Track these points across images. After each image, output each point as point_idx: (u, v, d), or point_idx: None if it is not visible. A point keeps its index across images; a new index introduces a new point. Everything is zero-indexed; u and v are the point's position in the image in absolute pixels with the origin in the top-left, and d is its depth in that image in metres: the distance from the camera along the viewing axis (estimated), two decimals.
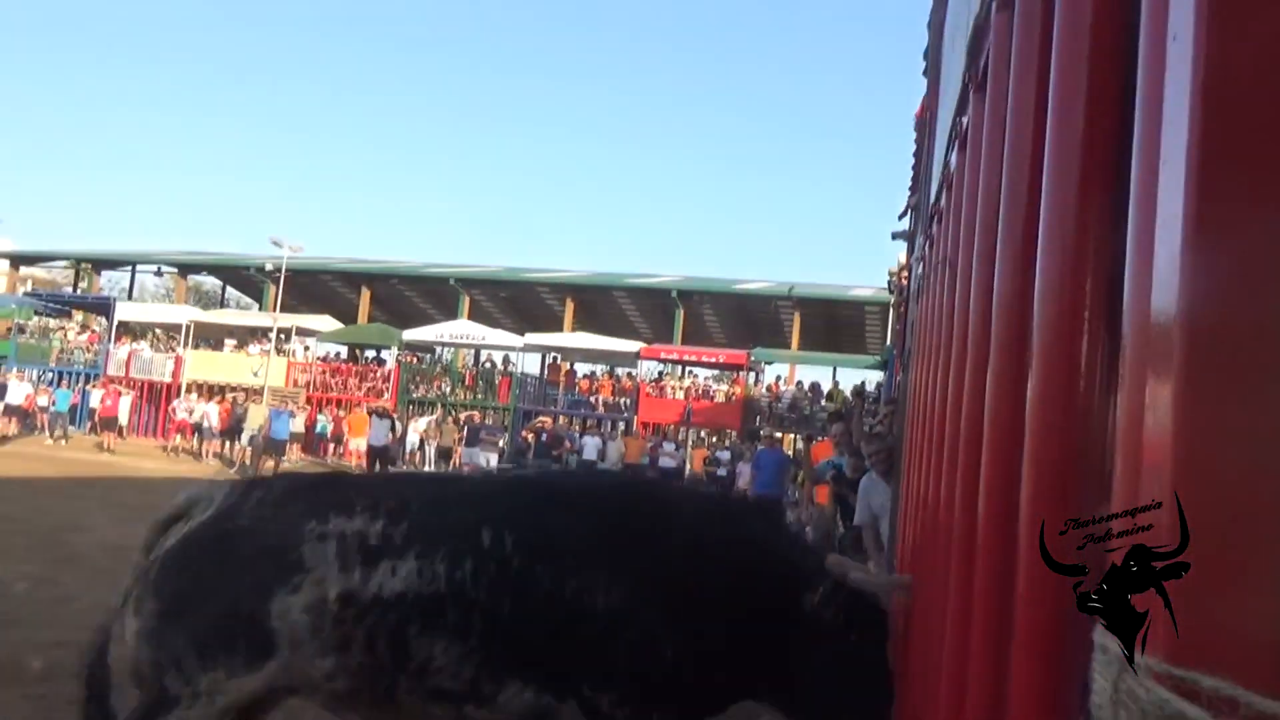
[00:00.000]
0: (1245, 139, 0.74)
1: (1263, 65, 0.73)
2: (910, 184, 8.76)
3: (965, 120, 2.43)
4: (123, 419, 26.10)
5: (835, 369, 30.48)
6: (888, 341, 23.56)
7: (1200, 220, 0.77)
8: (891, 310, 20.37)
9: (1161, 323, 0.81)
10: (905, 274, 10.85)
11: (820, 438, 9.17)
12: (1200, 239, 0.76)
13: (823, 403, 27.33)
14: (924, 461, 3.26)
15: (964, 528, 1.97)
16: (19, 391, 22.76)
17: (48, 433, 24.78)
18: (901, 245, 12.93)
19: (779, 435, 24.26)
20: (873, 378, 25.90)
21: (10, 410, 21.73)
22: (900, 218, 10.40)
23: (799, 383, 30.55)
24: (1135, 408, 0.86)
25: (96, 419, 25.67)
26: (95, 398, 26.69)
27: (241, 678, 3.00)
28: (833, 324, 34.18)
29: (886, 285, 20.57)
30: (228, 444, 23.88)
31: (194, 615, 3.04)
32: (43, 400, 25.60)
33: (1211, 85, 0.76)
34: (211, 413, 24.22)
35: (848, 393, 25.11)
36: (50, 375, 30.94)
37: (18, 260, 40.86)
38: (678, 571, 3.17)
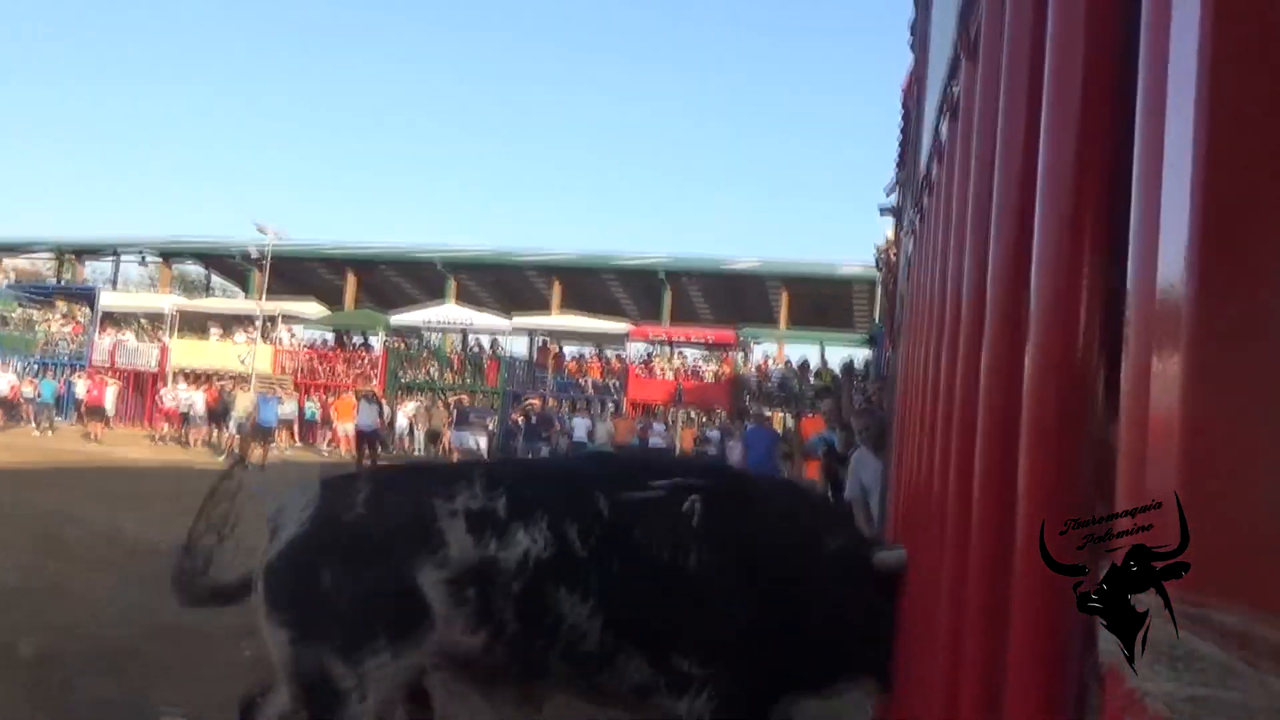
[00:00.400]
0: (1259, 93, 0.71)
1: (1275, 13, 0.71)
2: (898, 159, 8.75)
3: (956, 88, 2.41)
4: (109, 408, 25.97)
5: (823, 346, 30.55)
6: (875, 318, 23.60)
7: (1211, 187, 0.73)
8: (880, 286, 20.38)
9: (1169, 299, 0.78)
10: (894, 250, 10.85)
11: (810, 414, 9.19)
12: (1211, 207, 0.73)
13: (811, 380, 27.40)
14: (916, 436, 3.26)
15: (959, 501, 1.97)
16: (2, 382, 22.59)
17: (34, 423, 24.62)
18: (889, 221, 12.92)
19: (768, 413, 24.32)
20: (860, 354, 25.98)
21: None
22: (888, 193, 10.39)
23: (787, 361, 30.63)
24: (1140, 385, 0.84)
25: (83, 408, 25.57)
26: (81, 387, 26.57)
27: (406, 655, 3.06)
28: (820, 302, 34.21)
29: (874, 262, 20.60)
30: (215, 430, 23.80)
31: (345, 607, 3.06)
32: (28, 391, 25.43)
33: (1220, 38, 0.73)
34: (198, 400, 24.11)
35: (836, 370, 25.15)
36: (35, 366, 30.74)
37: None
38: (772, 555, 3.33)
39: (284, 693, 3.21)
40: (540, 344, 32.45)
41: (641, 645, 3.24)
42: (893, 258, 11.11)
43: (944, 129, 2.71)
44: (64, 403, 27.43)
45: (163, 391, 27.81)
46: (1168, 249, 0.79)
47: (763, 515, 3.47)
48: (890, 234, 12.94)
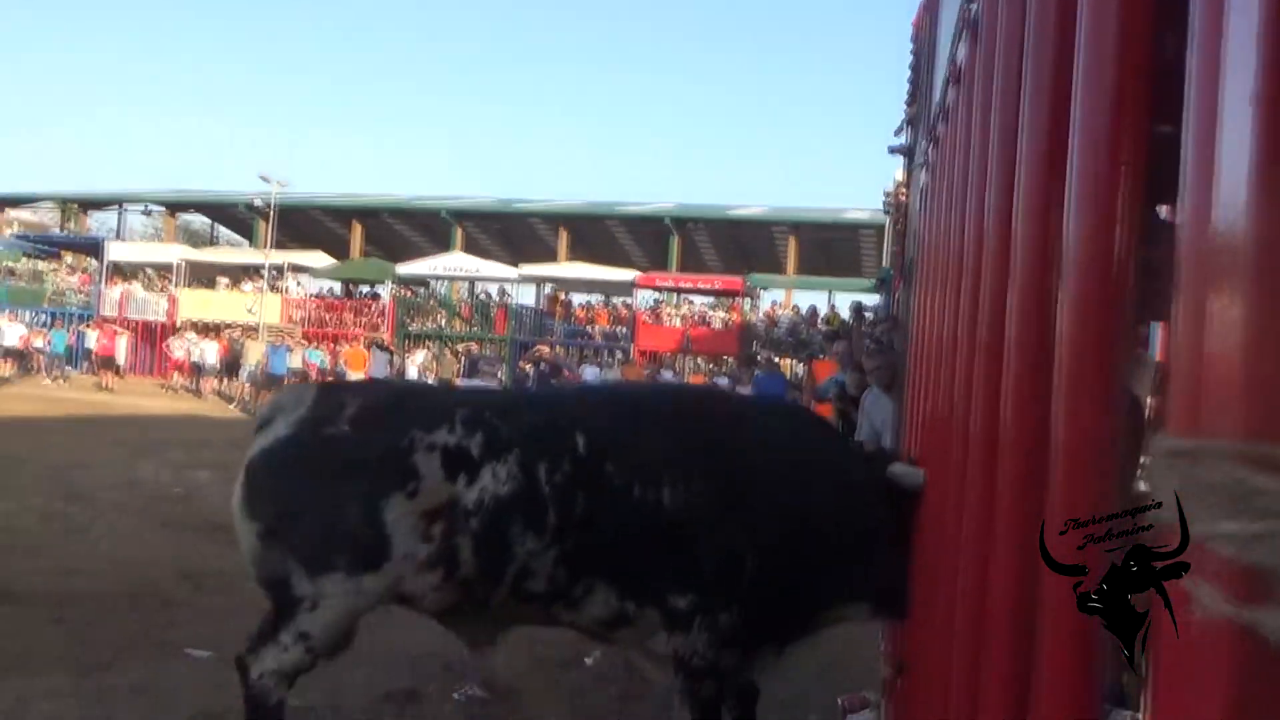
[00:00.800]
0: None
1: None
2: (907, 96, 8.62)
3: (975, 5, 2.36)
4: (120, 359, 26.10)
5: (831, 293, 30.45)
6: (884, 263, 23.47)
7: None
8: (889, 229, 20.23)
9: (1229, 231, 0.68)
10: (904, 190, 10.75)
11: (822, 357, 9.15)
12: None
13: (819, 326, 27.33)
14: (935, 375, 3.24)
15: (983, 443, 1.91)
16: (12, 333, 22.67)
17: (46, 374, 24.77)
18: (898, 163, 12.77)
19: (776, 360, 24.33)
20: (869, 301, 25.87)
21: (8, 352, 21.67)
22: (897, 133, 10.25)
23: (795, 307, 30.53)
24: (1193, 327, 0.75)
25: (94, 359, 25.69)
26: (91, 339, 26.66)
27: (360, 578, 3.13)
28: (828, 248, 34.00)
29: (882, 206, 20.41)
30: (226, 380, 23.91)
31: (312, 517, 3.15)
32: (39, 342, 25.54)
33: None
34: (209, 350, 24.19)
35: (845, 315, 25.09)
36: (44, 317, 30.82)
37: (3, 203, 40.33)
38: (753, 477, 3.35)
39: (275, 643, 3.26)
40: (548, 293, 32.37)
41: (614, 581, 3.27)
42: (902, 198, 11.00)
43: (962, 51, 2.66)
44: (75, 354, 27.56)
45: (171, 340, 27.90)
46: (1227, 173, 0.70)
47: (751, 437, 3.49)
48: (900, 175, 12.80)
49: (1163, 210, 1.95)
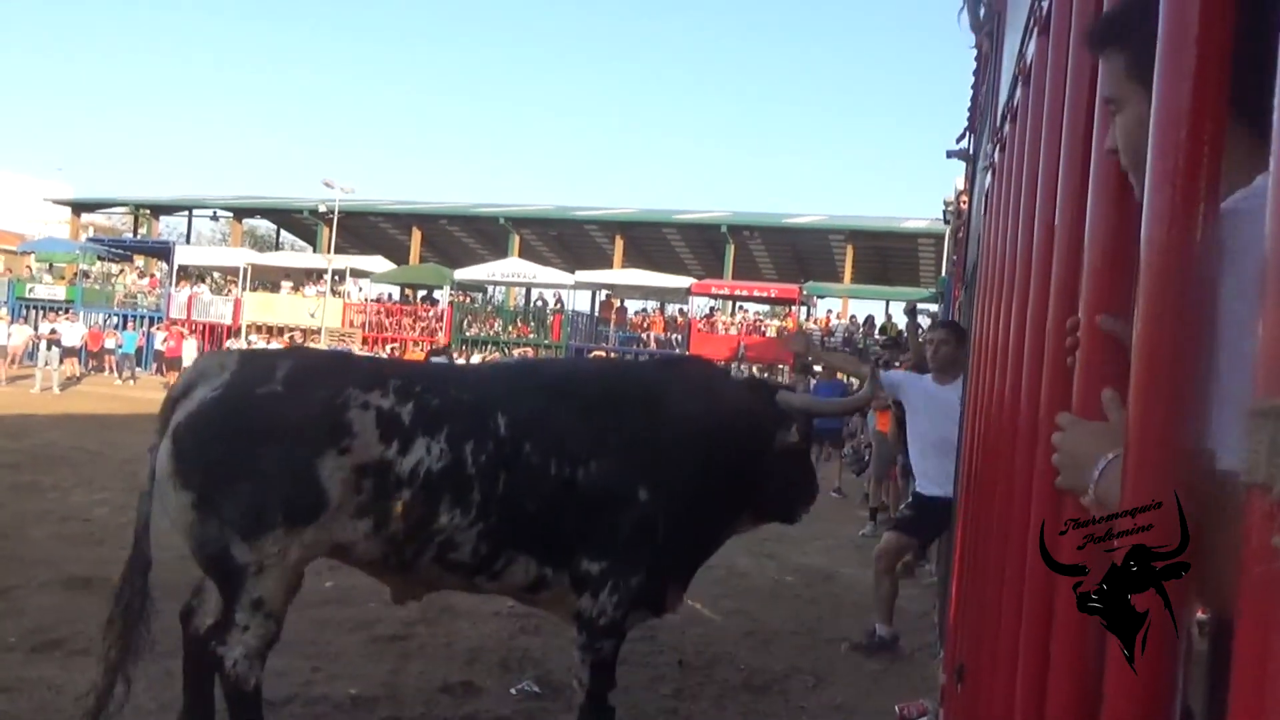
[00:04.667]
0: None
1: None
2: (970, 100, 8.51)
3: (1047, 3, 2.33)
4: (186, 360, 26.81)
5: (888, 302, 30.13)
6: (943, 273, 23.17)
7: None
8: (948, 238, 19.97)
9: None
10: (965, 198, 10.61)
11: (896, 365, 9.01)
12: None
13: (876, 335, 27.08)
14: (995, 382, 3.18)
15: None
16: (74, 333, 23.38)
17: (116, 373, 25.51)
18: (958, 171, 12.60)
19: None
20: (924, 305, 25.54)
21: (69, 352, 22.37)
22: (959, 140, 10.12)
23: (852, 316, 30.28)
24: None
25: (162, 360, 26.43)
26: (159, 339, 27.44)
27: (301, 531, 3.10)
28: (885, 257, 33.68)
29: (942, 215, 20.14)
30: None
31: (246, 480, 3.06)
32: (110, 343, 26.32)
33: None
34: None
35: (901, 325, 24.80)
36: (115, 319, 31.78)
37: (79, 207, 41.73)
38: (654, 441, 3.58)
39: (212, 591, 3.30)
40: (603, 299, 32.53)
41: (531, 549, 3.43)
42: (963, 206, 10.86)
43: (1031, 48, 2.63)
44: (144, 354, 28.38)
45: (229, 344, 28.57)
46: None
47: (651, 403, 3.69)
48: (960, 183, 12.63)
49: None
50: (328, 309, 29.70)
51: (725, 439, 3.72)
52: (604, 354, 24.23)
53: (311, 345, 24.54)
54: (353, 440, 3.14)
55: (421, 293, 34.18)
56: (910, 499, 5.95)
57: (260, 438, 3.08)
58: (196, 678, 3.44)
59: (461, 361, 25.11)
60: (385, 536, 3.23)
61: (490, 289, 34.67)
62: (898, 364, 9.19)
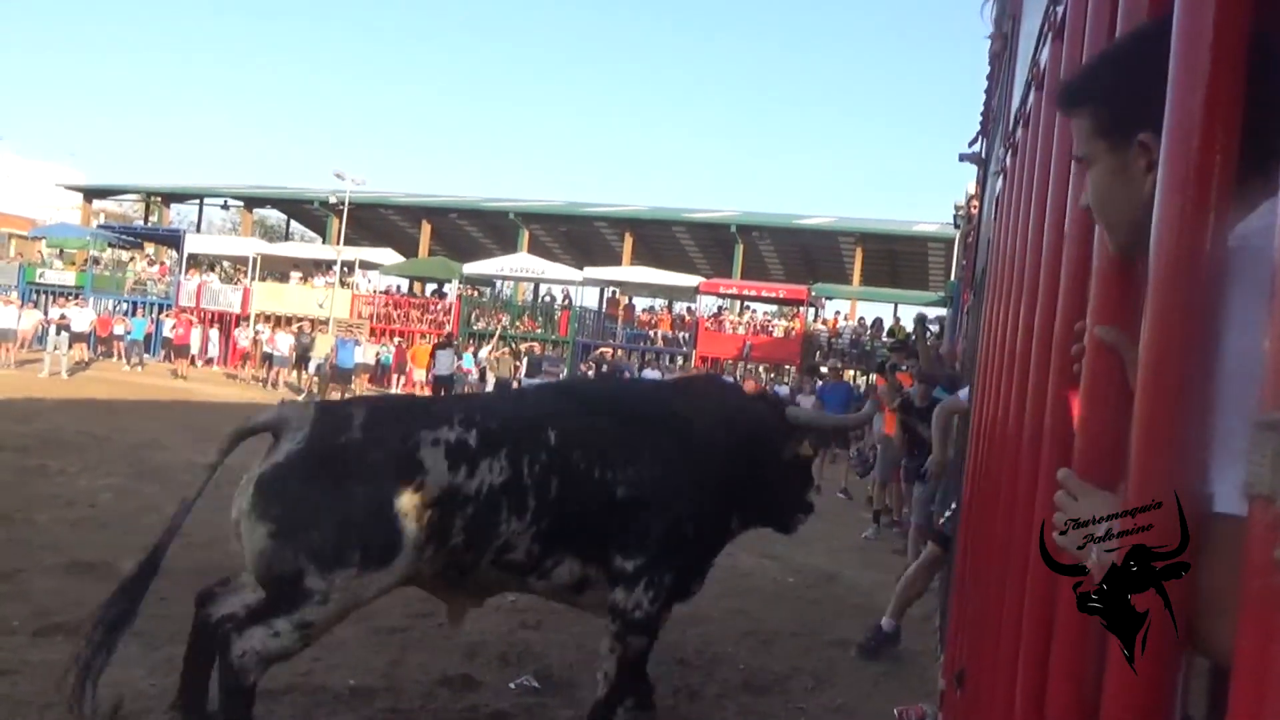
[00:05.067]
0: None
1: None
2: (983, 105, 8.50)
3: (1063, 8, 2.32)
4: (194, 348, 26.89)
5: (896, 305, 30.05)
6: (952, 278, 23.13)
7: None
8: (958, 243, 19.92)
9: None
10: (975, 203, 10.58)
11: (904, 368, 9.03)
12: None
13: (884, 338, 27.03)
14: (1003, 387, 3.17)
15: (1056, 452, 1.86)
16: (83, 319, 23.42)
17: (124, 359, 25.60)
18: (969, 176, 12.58)
19: (840, 368, 24.10)
20: (934, 313, 25.48)
21: (78, 337, 22.41)
22: (971, 144, 10.09)
23: (860, 318, 30.22)
24: None
25: (170, 347, 26.51)
26: (168, 327, 27.52)
27: (374, 573, 3.32)
28: (894, 260, 33.60)
29: (953, 219, 20.09)
30: (297, 372, 24.44)
31: (328, 519, 3.27)
32: (119, 329, 26.40)
33: None
34: (282, 342, 24.74)
35: (909, 328, 24.77)
36: (125, 306, 31.87)
37: (90, 194, 41.85)
38: (682, 451, 3.89)
39: (245, 588, 3.45)
40: (611, 295, 32.51)
41: (577, 549, 3.75)
42: (974, 211, 10.83)
43: (1045, 53, 2.62)
44: (153, 341, 28.47)
45: (237, 333, 28.66)
46: None
47: (678, 417, 4.03)
48: (971, 188, 12.61)
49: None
50: (336, 300, 29.73)
51: (740, 450, 4.05)
52: (610, 351, 24.24)
53: (320, 335, 24.63)
54: (425, 476, 3.40)
55: (431, 286, 34.20)
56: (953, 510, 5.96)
57: (344, 482, 3.31)
58: (195, 664, 3.49)
59: (469, 353, 25.21)
60: (447, 550, 3.48)
61: (499, 283, 34.67)
62: (904, 368, 9.18)
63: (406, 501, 3.34)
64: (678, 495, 3.82)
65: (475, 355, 26.25)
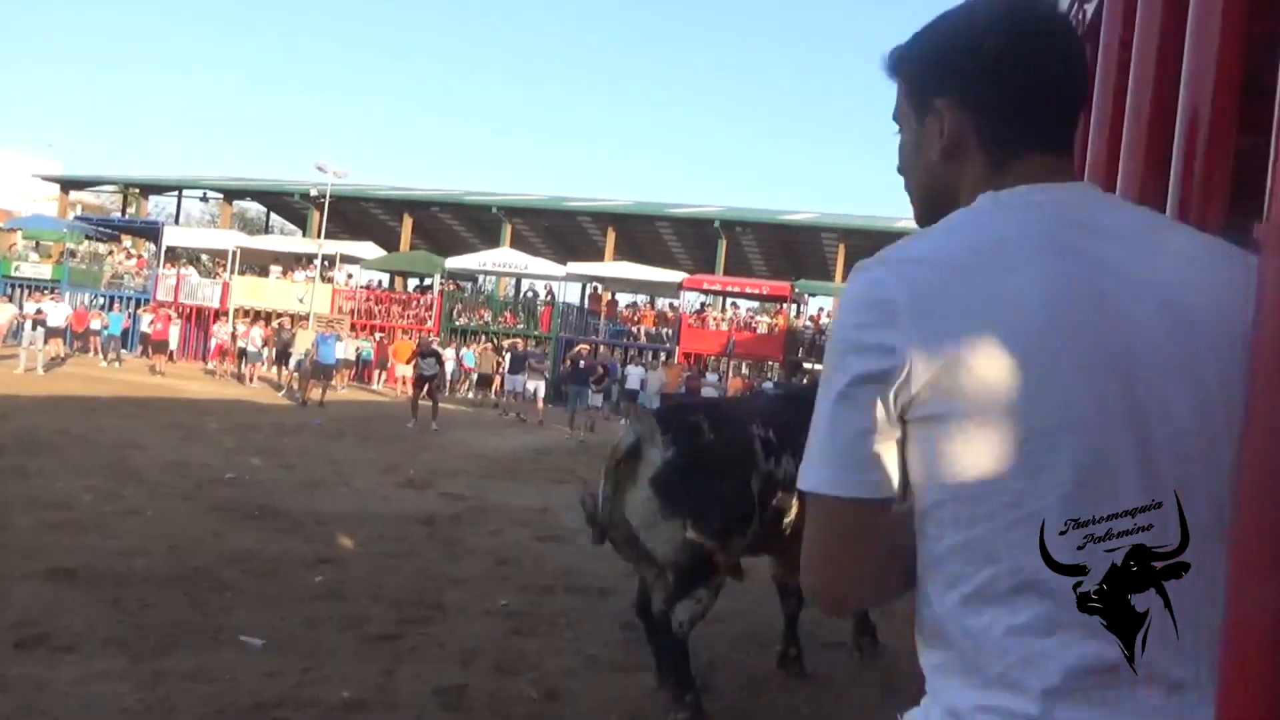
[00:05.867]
0: None
1: None
2: None
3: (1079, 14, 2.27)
4: (172, 343, 26.55)
5: None
6: None
7: None
8: None
9: None
10: None
11: None
12: None
13: None
14: None
15: None
16: (59, 314, 23.05)
17: (101, 355, 25.27)
18: None
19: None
20: None
21: (54, 332, 22.05)
22: None
23: None
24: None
25: (148, 343, 26.17)
26: (145, 322, 27.16)
27: (741, 539, 4.27)
28: None
29: None
30: (277, 368, 24.16)
31: (716, 504, 4.18)
32: (95, 324, 26.05)
33: None
34: (255, 336, 24.44)
35: None
36: (101, 300, 31.47)
37: (67, 185, 41.31)
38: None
39: (655, 589, 4.41)
40: (593, 291, 32.40)
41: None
42: None
43: None
44: (130, 336, 28.11)
45: (215, 328, 28.38)
46: None
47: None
48: None
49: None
50: (316, 294, 29.47)
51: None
52: (589, 347, 24.14)
53: (300, 330, 24.37)
54: (760, 463, 4.34)
55: (413, 281, 33.96)
56: None
57: (717, 474, 4.23)
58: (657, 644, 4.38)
59: (450, 352, 25.03)
60: (759, 523, 4.31)
61: (481, 278, 34.48)
62: None
63: (756, 483, 4.28)
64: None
65: (458, 353, 26.15)
